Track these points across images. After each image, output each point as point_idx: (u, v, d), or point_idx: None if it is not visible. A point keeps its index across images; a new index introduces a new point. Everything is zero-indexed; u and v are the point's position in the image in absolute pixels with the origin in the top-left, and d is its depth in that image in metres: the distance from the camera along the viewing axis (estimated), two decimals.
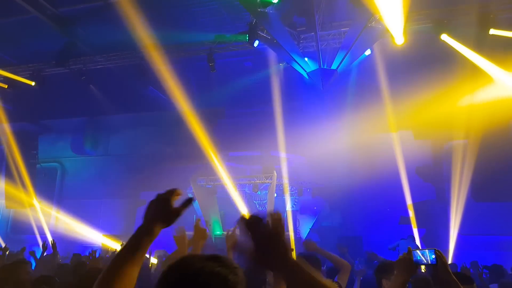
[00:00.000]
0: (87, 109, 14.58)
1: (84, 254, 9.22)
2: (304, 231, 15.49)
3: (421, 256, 2.51)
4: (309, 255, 4.14)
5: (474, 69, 11.47)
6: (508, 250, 11.59)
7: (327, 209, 15.54)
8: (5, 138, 15.83)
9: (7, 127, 15.70)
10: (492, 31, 10.55)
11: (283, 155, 13.83)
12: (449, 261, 10.58)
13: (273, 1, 10.01)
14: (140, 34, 11.96)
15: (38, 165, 16.32)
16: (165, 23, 12.31)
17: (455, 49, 11.10)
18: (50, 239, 15.01)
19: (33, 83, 13.81)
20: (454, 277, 2.48)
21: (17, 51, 13.43)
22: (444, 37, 10.99)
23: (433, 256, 2.49)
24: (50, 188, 16.46)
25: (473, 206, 12.70)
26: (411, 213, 13.00)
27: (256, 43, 11.32)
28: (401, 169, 12.75)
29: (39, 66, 13.95)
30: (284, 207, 14.05)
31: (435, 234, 12.96)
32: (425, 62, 11.90)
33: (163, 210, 1.58)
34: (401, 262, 2.53)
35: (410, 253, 2.52)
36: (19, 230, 16.12)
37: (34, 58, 13.75)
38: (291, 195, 14.93)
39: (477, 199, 12.82)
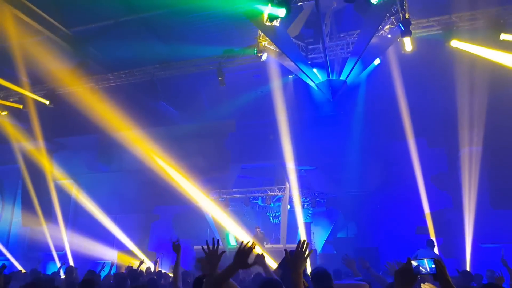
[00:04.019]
0: (101, 126, 14.77)
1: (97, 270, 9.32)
2: (319, 243, 15.31)
3: (420, 266, 2.47)
4: (320, 271, 4.08)
5: (489, 73, 11.33)
6: None
7: (342, 220, 15.36)
8: (21, 157, 16.16)
9: (23, 146, 16.04)
10: (503, 36, 10.41)
11: (295, 166, 13.77)
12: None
13: (280, 15, 10.05)
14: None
15: (53, 183, 16.55)
16: (174, 39, 12.53)
17: (468, 53, 10.95)
18: (69, 257, 15.20)
19: (47, 102, 14.10)
20: (453, 286, 2.43)
21: (32, 71, 13.73)
22: (454, 43, 10.88)
23: (433, 266, 2.45)
24: (66, 205, 16.66)
25: (491, 213, 12.41)
26: (428, 222, 12.75)
27: (264, 57, 11.38)
28: (417, 177, 12.55)
29: (53, 85, 14.24)
30: (300, 218, 13.87)
31: (452, 243, 12.67)
32: (437, 68, 11.81)
33: None
34: (401, 272, 2.49)
35: (409, 263, 2.47)
36: (36, 247, 16.31)
37: (48, 77, 14.04)
38: (305, 206, 14.81)
39: (496, 207, 12.52)
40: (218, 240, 3.16)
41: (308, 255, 2.67)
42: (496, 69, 10.99)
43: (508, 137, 12.15)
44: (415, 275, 2.45)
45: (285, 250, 2.89)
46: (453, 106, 12.19)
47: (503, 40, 10.43)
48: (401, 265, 2.54)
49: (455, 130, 12.43)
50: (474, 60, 11.07)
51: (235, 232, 14.41)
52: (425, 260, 2.48)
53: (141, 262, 10.15)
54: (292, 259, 2.67)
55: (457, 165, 12.93)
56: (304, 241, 2.70)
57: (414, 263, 2.47)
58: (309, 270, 11.52)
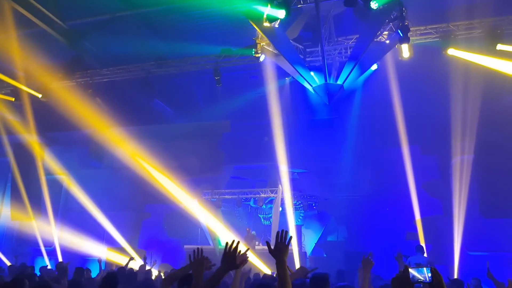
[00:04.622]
0: (93, 121, 14.61)
1: (85, 267, 9.21)
2: (309, 246, 15.33)
3: (418, 274, 2.45)
4: (319, 275, 4.08)
5: (482, 84, 11.42)
6: None
7: (333, 224, 15.40)
8: (11, 150, 15.92)
9: (13, 139, 15.81)
10: (500, 46, 10.49)
11: (288, 168, 13.76)
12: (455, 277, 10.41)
13: (280, 17, 10.02)
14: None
15: (44, 177, 16.32)
16: (172, 36, 12.43)
17: (463, 62, 11.03)
18: (58, 253, 15.04)
19: (40, 96, 13.91)
20: None
21: (25, 63, 13.53)
22: (451, 51, 10.94)
23: (430, 274, 2.43)
24: (56, 201, 16.44)
25: (481, 222, 12.52)
26: (419, 229, 12.82)
27: (262, 58, 11.36)
28: (409, 183, 12.61)
29: (47, 79, 14.04)
30: (291, 221, 13.86)
31: (441, 250, 12.76)
32: (433, 77, 11.86)
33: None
34: (398, 280, 2.47)
35: (406, 270, 2.46)
36: (24, 242, 16.10)
37: (41, 71, 13.84)
38: (297, 209, 14.82)
39: (485, 215, 12.63)
40: (203, 256, 3.14)
41: (289, 242, 2.69)
42: (489, 80, 11.12)
43: (498, 147, 12.27)
44: (412, 283, 2.43)
45: (267, 242, 2.90)
46: (447, 115, 12.26)
47: (500, 51, 10.54)
48: (398, 273, 2.54)
49: (448, 139, 12.50)
50: (468, 71, 11.18)
51: (224, 234, 14.38)
52: (424, 269, 2.46)
53: (131, 259, 10.09)
54: (274, 249, 2.68)
55: (449, 173, 13.01)
56: (283, 230, 2.74)
57: (412, 271, 2.45)
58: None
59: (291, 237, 2.74)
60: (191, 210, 14.38)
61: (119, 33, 12.31)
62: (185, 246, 14.15)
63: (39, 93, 13.90)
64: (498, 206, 12.45)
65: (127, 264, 9.28)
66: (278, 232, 2.73)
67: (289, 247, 2.71)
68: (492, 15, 10.61)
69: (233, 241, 2.72)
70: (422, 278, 2.44)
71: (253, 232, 14.14)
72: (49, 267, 10.51)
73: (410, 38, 10.45)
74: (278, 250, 2.66)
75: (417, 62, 11.18)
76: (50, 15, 11.84)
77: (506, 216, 12.34)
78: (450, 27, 10.94)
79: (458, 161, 12.74)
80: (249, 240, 13.43)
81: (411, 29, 10.41)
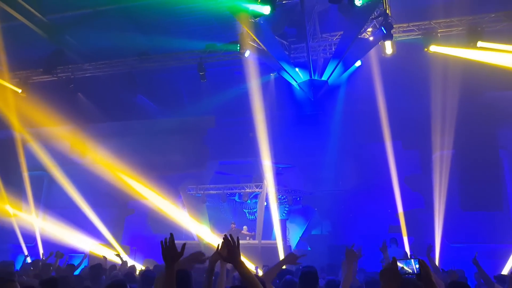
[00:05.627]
0: (75, 117, 14.35)
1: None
2: (294, 240, 15.47)
3: (406, 266, 2.47)
4: (307, 271, 4.10)
5: (460, 80, 11.65)
6: (496, 258, 11.70)
7: (317, 218, 15.57)
8: None
9: None
10: (480, 44, 10.71)
11: (273, 163, 13.82)
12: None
13: (265, 13, 10.01)
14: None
15: (24, 174, 15.97)
16: (155, 31, 12.29)
17: (443, 60, 11.24)
18: (40, 249, 14.80)
19: (20, 90, 13.61)
20: (437, 287, 2.45)
21: (4, 58, 13.20)
22: (433, 48, 11.12)
23: (417, 266, 2.45)
24: (37, 197, 16.12)
25: (461, 215, 12.84)
26: (401, 222, 13.06)
27: (247, 53, 11.32)
28: (392, 178, 12.80)
29: (27, 73, 13.75)
30: (275, 215, 13.95)
31: (423, 243, 13.03)
32: (414, 73, 12.05)
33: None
34: (386, 272, 2.49)
35: (395, 263, 2.47)
36: (4, 239, 15.77)
37: (21, 66, 13.54)
38: (282, 203, 14.91)
39: (465, 208, 12.95)
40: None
41: (238, 243, 2.74)
42: (468, 77, 11.35)
43: (477, 142, 12.57)
44: (401, 276, 2.44)
45: (218, 252, 2.90)
46: (428, 111, 12.48)
47: (480, 48, 10.77)
48: (387, 265, 2.55)
49: (429, 134, 12.73)
50: (449, 68, 11.40)
51: (207, 229, 14.41)
52: (412, 261, 2.47)
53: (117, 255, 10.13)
54: (228, 256, 2.72)
55: (429, 168, 13.26)
56: (225, 235, 2.82)
57: (399, 263, 2.46)
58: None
59: (238, 238, 2.79)
60: (175, 206, 14.33)
61: (102, 28, 12.08)
62: None
63: (19, 88, 13.61)
64: (477, 199, 12.77)
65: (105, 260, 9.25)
66: (224, 239, 2.79)
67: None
68: (472, 13, 10.82)
69: (171, 235, 2.76)
70: (410, 270, 2.44)
71: (245, 227, 14.21)
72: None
73: (393, 35, 10.59)
74: (231, 255, 2.71)
75: (400, 59, 11.35)
76: (30, 8, 11.55)
77: (485, 209, 12.67)
78: (432, 24, 11.11)
79: (438, 155, 12.99)
80: (233, 235, 13.47)
81: (394, 26, 10.55)
